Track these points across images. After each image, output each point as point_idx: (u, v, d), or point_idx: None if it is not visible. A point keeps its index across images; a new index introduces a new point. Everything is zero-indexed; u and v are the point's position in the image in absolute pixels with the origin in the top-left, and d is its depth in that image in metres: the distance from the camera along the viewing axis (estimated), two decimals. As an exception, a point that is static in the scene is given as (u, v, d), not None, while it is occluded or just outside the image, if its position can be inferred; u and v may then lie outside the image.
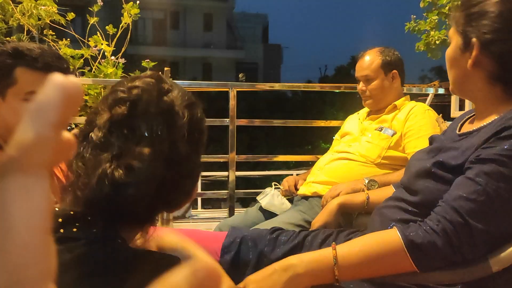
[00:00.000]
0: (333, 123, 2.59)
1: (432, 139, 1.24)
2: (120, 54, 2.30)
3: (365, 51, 2.03)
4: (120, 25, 2.38)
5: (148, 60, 2.51)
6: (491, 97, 1.06)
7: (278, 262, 0.94)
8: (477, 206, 0.87)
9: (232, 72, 25.47)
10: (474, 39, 1.05)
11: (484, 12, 1.04)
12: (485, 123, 1.04)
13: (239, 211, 2.78)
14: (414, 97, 2.28)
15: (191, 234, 1.38)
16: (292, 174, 2.17)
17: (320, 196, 1.79)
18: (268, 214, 1.92)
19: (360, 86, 2.00)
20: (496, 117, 1.02)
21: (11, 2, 2.36)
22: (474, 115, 1.15)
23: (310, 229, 1.58)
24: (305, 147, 15.86)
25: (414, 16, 2.64)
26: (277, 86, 2.76)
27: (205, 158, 2.55)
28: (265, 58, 28.32)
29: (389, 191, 1.40)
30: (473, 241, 0.86)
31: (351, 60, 25.14)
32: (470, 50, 1.06)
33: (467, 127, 1.13)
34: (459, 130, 1.14)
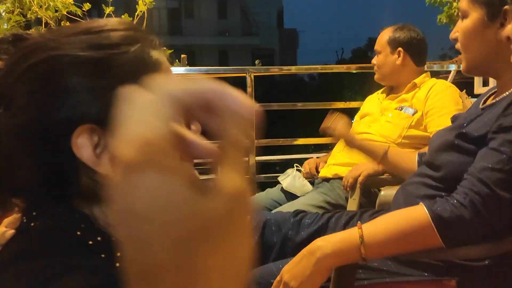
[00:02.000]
0: (352, 104, 2.56)
1: (454, 118, 1.21)
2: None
3: (383, 28, 2.04)
4: (136, 14, 2.39)
5: (165, 48, 2.52)
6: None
7: (305, 248, 0.94)
8: (503, 175, 0.85)
9: (248, 58, 25.36)
10: (507, 7, 1.00)
11: None
12: (507, 93, 1.01)
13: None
14: (435, 74, 2.24)
15: None
16: (312, 158, 2.16)
17: (341, 178, 1.78)
18: (289, 195, 1.92)
19: (373, 60, 2.05)
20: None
21: (28, -5, 2.40)
22: (496, 90, 1.12)
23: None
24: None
25: None
26: (293, 69, 2.74)
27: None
28: (281, 43, 28.08)
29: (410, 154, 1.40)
30: (502, 212, 0.84)
31: (368, 42, 24.72)
32: (500, 20, 1.01)
33: (489, 101, 1.10)
34: (482, 105, 1.11)
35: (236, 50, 25.48)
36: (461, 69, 1.15)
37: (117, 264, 0.44)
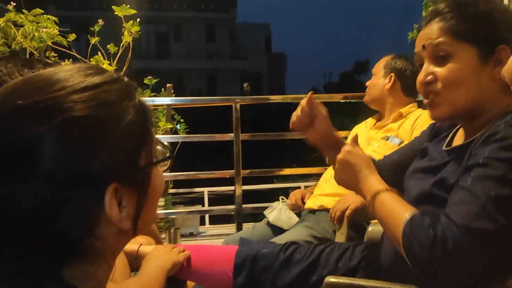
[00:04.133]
0: (340, 133, 2.56)
1: (424, 152, 1.14)
2: (122, 72, 2.30)
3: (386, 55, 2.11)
4: (121, 44, 2.39)
5: (150, 77, 2.51)
6: (499, 107, 0.97)
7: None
8: (466, 207, 0.84)
9: (236, 82, 25.56)
10: (502, 46, 0.94)
11: (493, 12, 0.96)
12: (478, 134, 0.96)
13: (248, 226, 2.75)
14: (421, 104, 2.25)
15: (201, 249, 1.36)
16: (300, 187, 2.14)
17: (327, 210, 1.76)
18: (276, 229, 1.89)
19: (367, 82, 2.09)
20: (487, 127, 0.95)
21: (12, 25, 2.38)
22: (460, 130, 1.07)
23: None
24: (313, 155, 15.78)
25: (417, 25, 2.60)
26: (280, 98, 2.73)
27: (211, 174, 2.54)
28: (269, 67, 28.39)
29: None
30: (466, 243, 0.82)
31: (355, 66, 25.16)
32: (493, 61, 0.95)
33: (457, 141, 1.06)
34: (449, 144, 1.08)
35: (224, 74, 25.68)
36: (436, 115, 1.01)
37: None
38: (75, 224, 0.49)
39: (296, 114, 1.22)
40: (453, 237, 0.82)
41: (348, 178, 1.11)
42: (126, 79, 0.57)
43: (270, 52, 30.16)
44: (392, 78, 1.97)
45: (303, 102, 1.19)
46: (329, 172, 1.97)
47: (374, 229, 1.45)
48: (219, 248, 1.38)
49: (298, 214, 1.93)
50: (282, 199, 2.02)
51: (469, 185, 0.86)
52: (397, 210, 0.95)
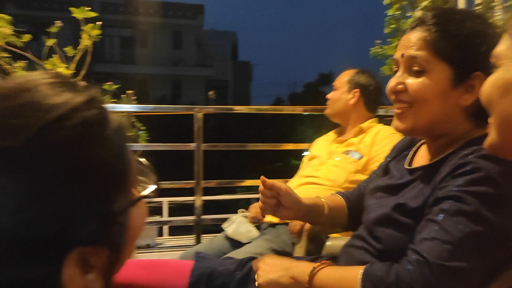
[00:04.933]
0: (301, 146, 2.57)
1: (385, 170, 1.14)
2: (80, 77, 2.21)
3: (347, 67, 2.13)
4: (79, 47, 2.30)
5: (111, 82, 2.43)
6: (460, 132, 0.97)
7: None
8: (438, 244, 0.82)
9: (202, 89, 25.41)
10: (478, 73, 0.92)
11: (481, 37, 0.93)
12: (440, 157, 0.96)
13: (207, 237, 2.70)
14: (381, 118, 2.29)
15: (153, 264, 1.30)
16: (259, 198, 2.11)
17: (287, 223, 1.75)
18: (235, 243, 1.86)
19: (329, 94, 2.10)
20: (450, 151, 0.95)
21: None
22: (422, 144, 1.07)
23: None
24: (276, 164, 15.84)
25: (379, 41, 2.68)
26: (244, 109, 2.72)
27: (171, 184, 2.48)
28: (234, 75, 28.41)
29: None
30: (438, 282, 0.81)
31: (319, 77, 25.55)
32: (466, 85, 0.94)
33: (419, 161, 1.06)
34: (410, 164, 1.07)
35: (189, 81, 25.48)
36: (399, 127, 1.00)
37: None
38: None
39: (261, 201, 1.18)
40: (424, 277, 0.80)
41: (277, 277, 1.01)
42: (100, 101, 0.46)
43: (236, 60, 30.23)
44: (357, 94, 2.00)
45: (261, 188, 1.15)
46: (290, 184, 1.96)
47: (332, 243, 1.44)
48: (173, 263, 1.33)
49: (258, 227, 1.91)
50: (242, 211, 1.99)
51: (441, 219, 0.84)
52: (346, 273, 0.92)
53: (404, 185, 1.01)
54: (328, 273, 0.95)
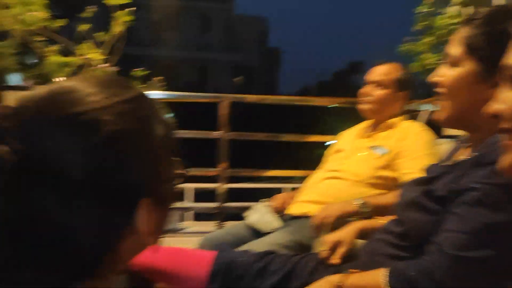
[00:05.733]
0: (327, 138, 2.56)
1: (427, 169, 1.20)
2: (113, 63, 2.26)
3: (385, 60, 2.02)
4: (112, 34, 2.34)
5: (140, 69, 2.47)
6: (490, 126, 1.01)
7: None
8: (456, 234, 0.84)
9: (228, 74, 25.46)
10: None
11: None
12: (476, 153, 1.00)
13: (230, 224, 2.73)
14: (411, 113, 2.26)
15: (178, 252, 1.34)
16: (282, 192, 2.13)
17: (309, 217, 1.75)
18: (255, 231, 1.88)
19: (368, 89, 1.96)
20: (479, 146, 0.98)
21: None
22: (466, 144, 1.10)
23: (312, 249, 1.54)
24: (301, 154, 15.70)
25: (408, 38, 2.62)
26: (269, 99, 2.71)
27: (195, 172, 2.51)
28: (262, 62, 28.31)
29: None
30: (455, 272, 0.82)
31: (349, 67, 25.23)
32: (494, 80, 0.95)
33: (459, 155, 1.09)
34: (451, 159, 1.10)
35: (216, 66, 25.55)
36: (436, 117, 1.09)
37: None
38: (103, 239, 0.48)
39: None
40: (441, 267, 0.81)
41: None
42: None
43: (265, 46, 30.07)
44: (406, 97, 1.96)
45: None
46: (314, 178, 1.96)
47: (355, 241, 1.44)
48: (195, 252, 1.37)
49: (279, 218, 1.92)
50: (264, 201, 2.01)
51: (461, 211, 0.86)
52: (369, 277, 0.95)
53: (437, 177, 1.03)
54: (353, 278, 0.97)
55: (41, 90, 0.50)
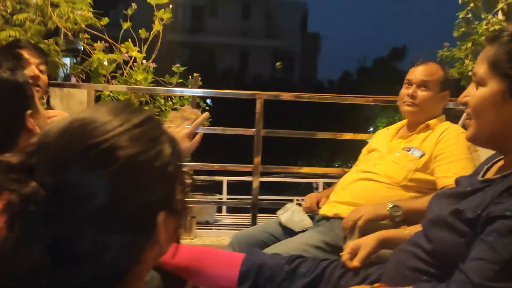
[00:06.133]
0: (360, 136, 2.54)
1: (457, 182, 1.18)
2: (151, 60, 2.34)
3: (424, 60, 1.97)
4: (152, 32, 2.41)
5: (179, 65, 2.53)
6: None
7: None
8: (485, 264, 0.82)
9: (269, 60, 25.36)
10: None
11: None
12: (508, 172, 0.97)
13: (263, 217, 2.78)
14: (449, 112, 2.20)
15: (209, 252, 1.40)
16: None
17: (341, 218, 1.76)
18: (287, 230, 1.90)
19: (410, 90, 1.91)
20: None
21: (49, 5, 2.43)
22: (499, 162, 1.08)
23: (338, 251, 1.55)
24: (337, 151, 15.49)
25: (448, 44, 2.53)
26: (306, 97, 2.71)
27: (229, 167, 2.57)
28: (302, 47, 27.96)
29: None
30: None
31: (392, 52, 24.45)
32: None
33: (491, 172, 1.07)
34: (483, 175, 1.08)
35: (257, 51, 25.49)
36: (466, 135, 1.09)
37: None
38: (128, 255, 0.54)
39: None
40: None
41: None
42: (155, 116, 0.61)
43: (305, 32, 29.64)
44: (448, 96, 1.92)
45: None
46: (347, 178, 1.96)
47: (385, 251, 1.44)
48: (226, 253, 1.42)
49: (311, 218, 1.94)
50: (297, 200, 2.03)
51: (492, 239, 0.85)
52: None
53: (469, 193, 1.02)
54: None
55: (60, 123, 0.55)
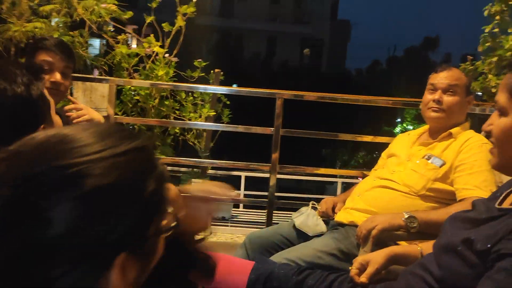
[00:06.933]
0: (379, 139, 2.50)
1: (473, 205, 1.14)
2: (173, 55, 2.34)
3: (449, 65, 1.93)
4: (174, 28, 2.41)
5: (200, 60, 2.53)
6: None
7: None
8: None
9: (296, 47, 25.10)
10: None
11: None
12: None
13: (278, 215, 2.79)
14: (471, 116, 2.14)
15: (221, 259, 1.41)
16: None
17: (356, 226, 1.74)
18: (301, 234, 1.89)
19: (436, 96, 1.84)
20: None
21: (75, -3, 2.46)
22: None
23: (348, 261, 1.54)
24: (366, 129, 15.31)
25: (471, 57, 2.44)
26: (328, 98, 2.67)
27: (248, 165, 2.57)
28: (332, 34, 27.49)
29: None
30: None
31: (424, 42, 23.81)
32: None
33: (510, 200, 1.03)
34: (501, 203, 1.04)
35: (285, 37, 25.23)
36: (490, 163, 1.10)
37: None
38: None
39: None
40: None
41: None
42: (150, 147, 0.56)
43: (335, 19, 29.11)
44: (472, 101, 1.89)
45: None
46: (364, 185, 1.93)
47: (396, 267, 1.41)
48: (237, 261, 1.43)
49: (326, 222, 1.93)
50: (313, 204, 2.01)
51: (500, 278, 0.83)
52: None
53: (483, 221, 1.00)
54: None
55: (39, 136, 0.51)
